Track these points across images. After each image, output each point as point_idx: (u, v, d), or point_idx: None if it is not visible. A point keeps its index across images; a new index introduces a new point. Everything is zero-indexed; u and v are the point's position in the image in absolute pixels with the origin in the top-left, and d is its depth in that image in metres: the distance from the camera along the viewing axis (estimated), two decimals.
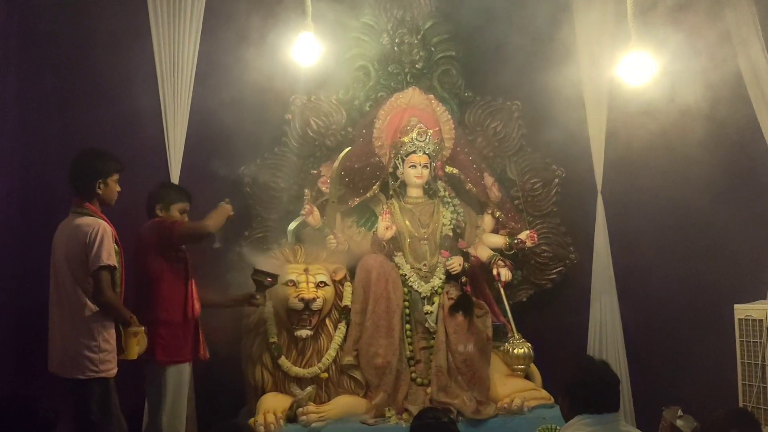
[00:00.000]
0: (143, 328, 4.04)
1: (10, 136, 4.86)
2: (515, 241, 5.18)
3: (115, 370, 3.98)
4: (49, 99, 5.02)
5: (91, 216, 4.02)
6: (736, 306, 4.95)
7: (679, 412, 4.61)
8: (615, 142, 5.48)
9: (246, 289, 4.59)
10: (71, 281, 3.95)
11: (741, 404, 4.81)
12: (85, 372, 3.88)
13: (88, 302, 3.92)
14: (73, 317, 3.93)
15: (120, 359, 4.03)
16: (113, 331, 3.99)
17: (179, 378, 4.30)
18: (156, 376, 4.24)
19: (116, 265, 3.96)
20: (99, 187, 4.06)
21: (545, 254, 5.44)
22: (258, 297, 4.54)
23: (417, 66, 5.40)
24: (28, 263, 4.75)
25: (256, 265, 4.52)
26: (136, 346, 4.02)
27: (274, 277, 4.53)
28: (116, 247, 4.03)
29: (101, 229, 3.94)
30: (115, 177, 4.14)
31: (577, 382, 3.00)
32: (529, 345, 4.99)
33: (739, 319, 4.91)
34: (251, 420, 4.39)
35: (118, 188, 4.17)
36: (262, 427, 4.31)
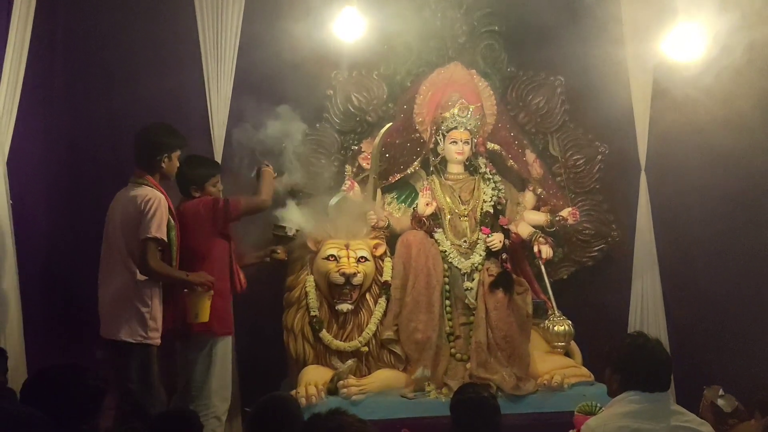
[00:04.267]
0: (211, 291, 4.15)
1: (58, 110, 5.01)
2: (557, 219, 5.19)
3: (159, 341, 4.07)
4: (94, 75, 5.14)
5: (149, 187, 4.11)
6: None
7: (721, 392, 4.59)
8: (660, 118, 5.43)
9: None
10: (124, 248, 4.05)
11: None
12: (134, 336, 3.98)
13: (138, 270, 4.02)
14: (124, 283, 4.02)
15: (193, 323, 4.14)
16: (159, 300, 4.08)
17: (226, 348, 4.42)
18: (206, 347, 4.32)
19: (164, 238, 4.02)
20: (163, 162, 4.18)
21: (587, 231, 5.43)
22: (279, 250, 4.68)
23: (459, 41, 5.39)
24: (78, 233, 4.89)
25: (275, 221, 4.66)
26: (209, 310, 4.13)
27: (294, 230, 4.65)
28: (172, 221, 4.11)
29: (157, 201, 4.03)
30: (178, 152, 4.26)
31: (631, 359, 3.00)
32: (570, 322, 5.02)
33: None
34: (293, 391, 4.48)
35: (178, 164, 4.29)
36: (303, 399, 4.37)
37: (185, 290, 4.13)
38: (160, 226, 4.00)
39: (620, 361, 3.03)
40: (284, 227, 4.66)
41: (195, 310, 4.12)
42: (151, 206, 4.00)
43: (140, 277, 4.02)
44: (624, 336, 3.37)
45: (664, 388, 2.97)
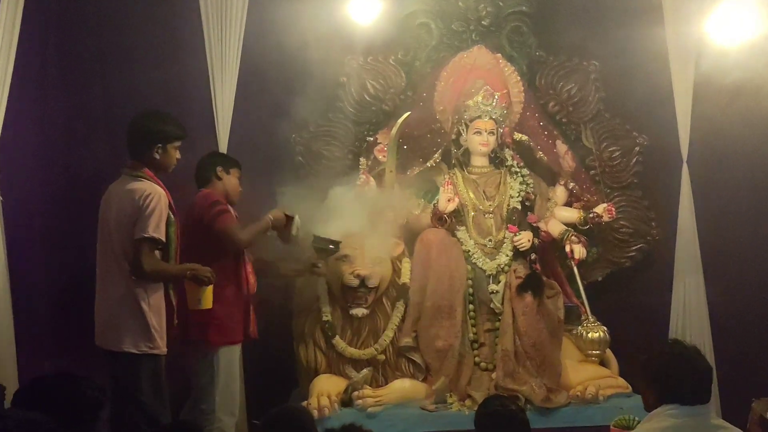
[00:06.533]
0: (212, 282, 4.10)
1: (52, 99, 5.07)
2: (591, 216, 5.16)
3: (165, 349, 4.00)
4: (91, 60, 5.19)
5: (148, 181, 4.00)
6: None
7: None
8: (703, 106, 5.39)
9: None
10: (119, 248, 3.95)
11: None
12: (138, 347, 3.90)
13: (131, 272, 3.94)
14: (122, 288, 3.93)
15: (195, 310, 4.10)
16: (162, 304, 4.01)
17: (230, 357, 4.38)
18: (207, 357, 4.29)
19: (162, 238, 3.94)
20: (157, 152, 4.05)
21: (624, 230, 5.39)
22: (320, 265, 4.68)
23: (483, 23, 5.36)
24: (73, 228, 4.91)
25: (314, 233, 4.63)
26: (211, 295, 4.08)
27: (336, 243, 4.65)
28: (172, 216, 4.02)
29: (157, 197, 3.91)
30: (176, 144, 4.13)
31: (668, 370, 2.96)
32: (605, 329, 5.02)
33: None
34: (304, 402, 4.47)
35: (178, 155, 4.17)
36: (315, 411, 4.37)
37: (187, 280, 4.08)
38: (158, 225, 3.89)
39: (656, 373, 3.01)
40: (326, 240, 4.65)
41: (197, 295, 4.07)
42: (150, 203, 3.88)
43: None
44: (660, 345, 3.34)
45: (705, 400, 2.94)
